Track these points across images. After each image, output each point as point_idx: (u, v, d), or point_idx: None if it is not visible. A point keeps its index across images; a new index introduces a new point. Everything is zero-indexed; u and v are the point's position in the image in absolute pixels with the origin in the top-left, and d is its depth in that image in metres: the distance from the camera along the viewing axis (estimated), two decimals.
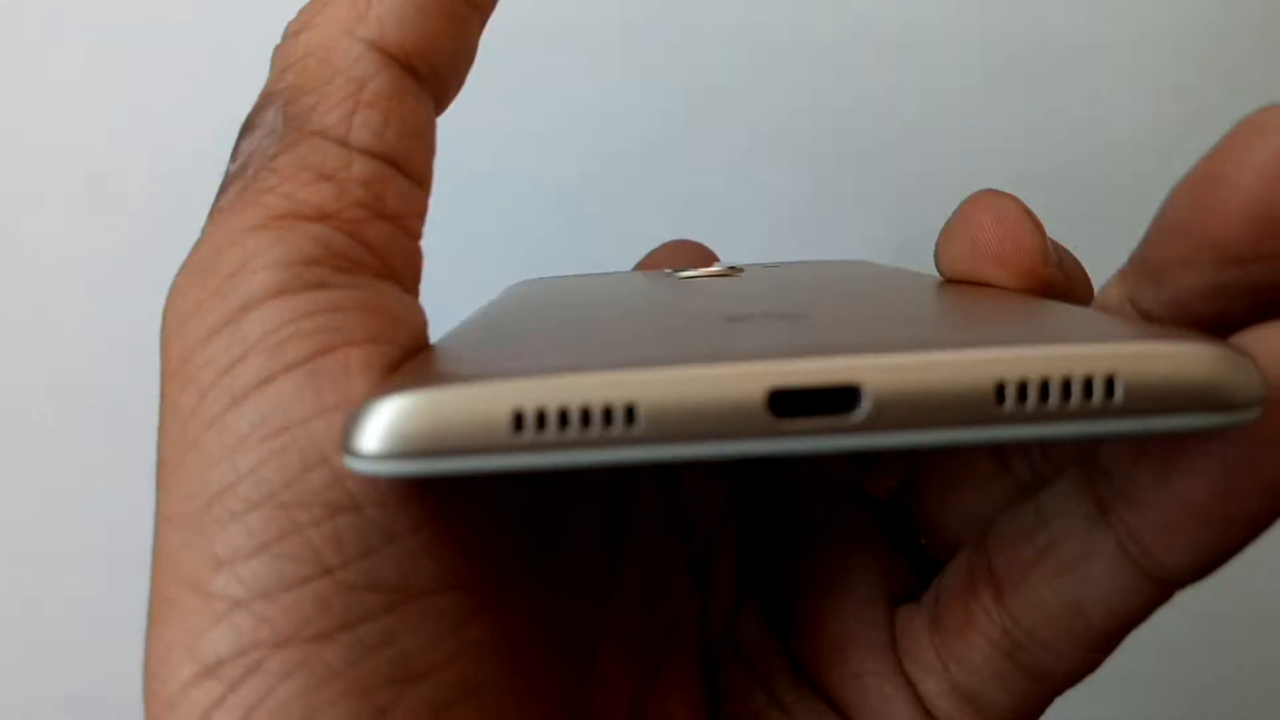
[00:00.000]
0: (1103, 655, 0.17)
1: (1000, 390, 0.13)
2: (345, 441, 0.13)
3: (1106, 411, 0.13)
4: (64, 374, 0.37)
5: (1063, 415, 0.13)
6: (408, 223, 0.17)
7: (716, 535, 0.21)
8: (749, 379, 0.13)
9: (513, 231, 0.37)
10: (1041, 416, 0.13)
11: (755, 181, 0.37)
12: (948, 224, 0.19)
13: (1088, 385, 0.13)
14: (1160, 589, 0.16)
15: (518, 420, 0.13)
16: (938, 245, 0.19)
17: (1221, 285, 0.15)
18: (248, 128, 0.17)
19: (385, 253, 0.16)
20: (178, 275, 0.16)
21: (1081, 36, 0.37)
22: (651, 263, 0.27)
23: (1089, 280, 0.19)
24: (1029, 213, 0.18)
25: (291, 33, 0.17)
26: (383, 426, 0.13)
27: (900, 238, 0.37)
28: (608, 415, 0.13)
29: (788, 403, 0.13)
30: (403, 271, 0.17)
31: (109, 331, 0.37)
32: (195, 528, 0.14)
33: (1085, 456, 0.17)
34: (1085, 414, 0.13)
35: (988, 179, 0.36)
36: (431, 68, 0.17)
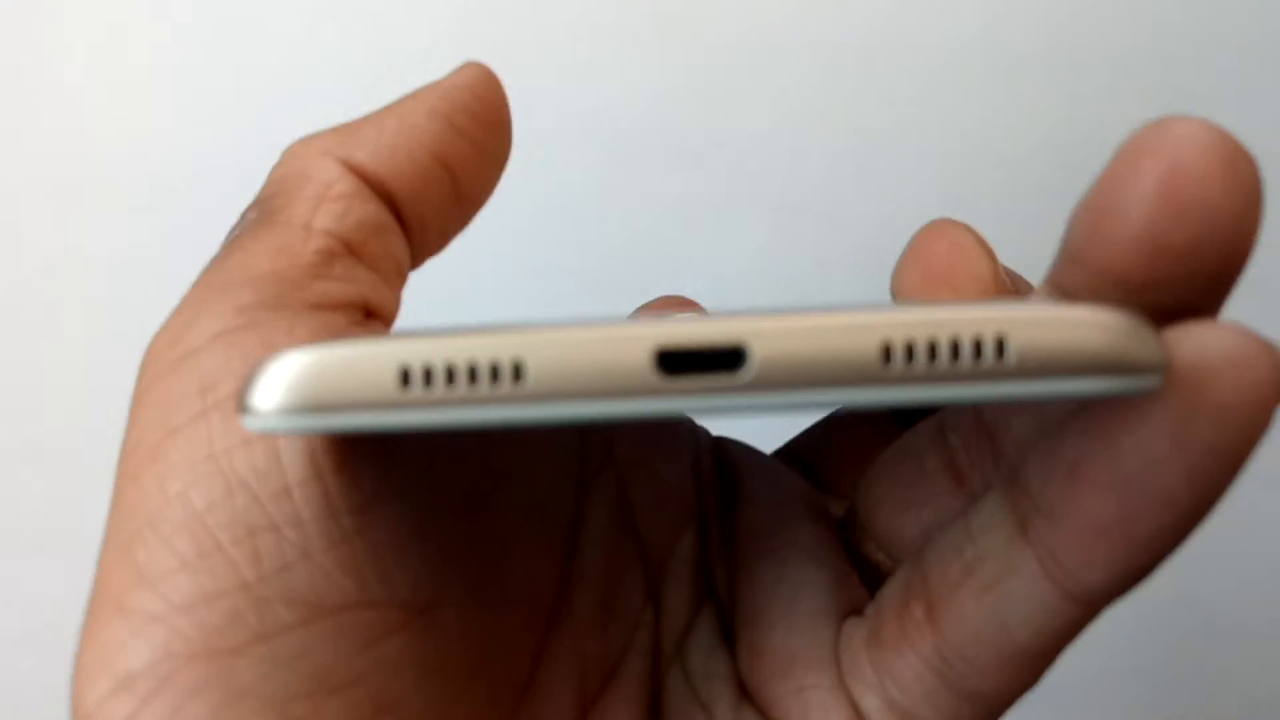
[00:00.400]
0: (1033, 675, 0.17)
1: (887, 350, 0.13)
2: (239, 400, 0.13)
3: (998, 373, 0.13)
4: (61, 375, 0.38)
5: (952, 376, 0.13)
6: (360, 290, 0.18)
7: (672, 552, 0.21)
8: (637, 339, 0.13)
9: (510, 232, 0.37)
10: (930, 377, 0.13)
11: (753, 182, 0.37)
12: (902, 254, 0.19)
13: (977, 346, 0.13)
14: (1083, 607, 0.16)
15: (404, 376, 0.13)
16: (893, 275, 0.19)
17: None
18: (235, 226, 0.19)
19: (329, 301, 0.18)
20: (158, 329, 0.18)
21: (1083, 38, 0.37)
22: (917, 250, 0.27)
23: None
24: (981, 240, 0.18)
25: (283, 155, 0.20)
26: (274, 382, 0.13)
27: (896, 241, 0.37)
28: (495, 372, 0.13)
29: (676, 363, 0.13)
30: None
31: (104, 332, 0.38)
32: (125, 549, 0.16)
33: (1012, 471, 0.17)
34: (976, 375, 0.13)
35: (990, 180, 0.37)
36: (394, 202, 0.19)
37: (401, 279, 0.20)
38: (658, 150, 0.37)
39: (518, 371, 0.13)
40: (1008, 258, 0.37)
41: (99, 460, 0.37)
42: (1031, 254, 0.36)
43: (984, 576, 0.17)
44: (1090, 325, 0.13)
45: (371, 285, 0.19)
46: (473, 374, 0.13)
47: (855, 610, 0.19)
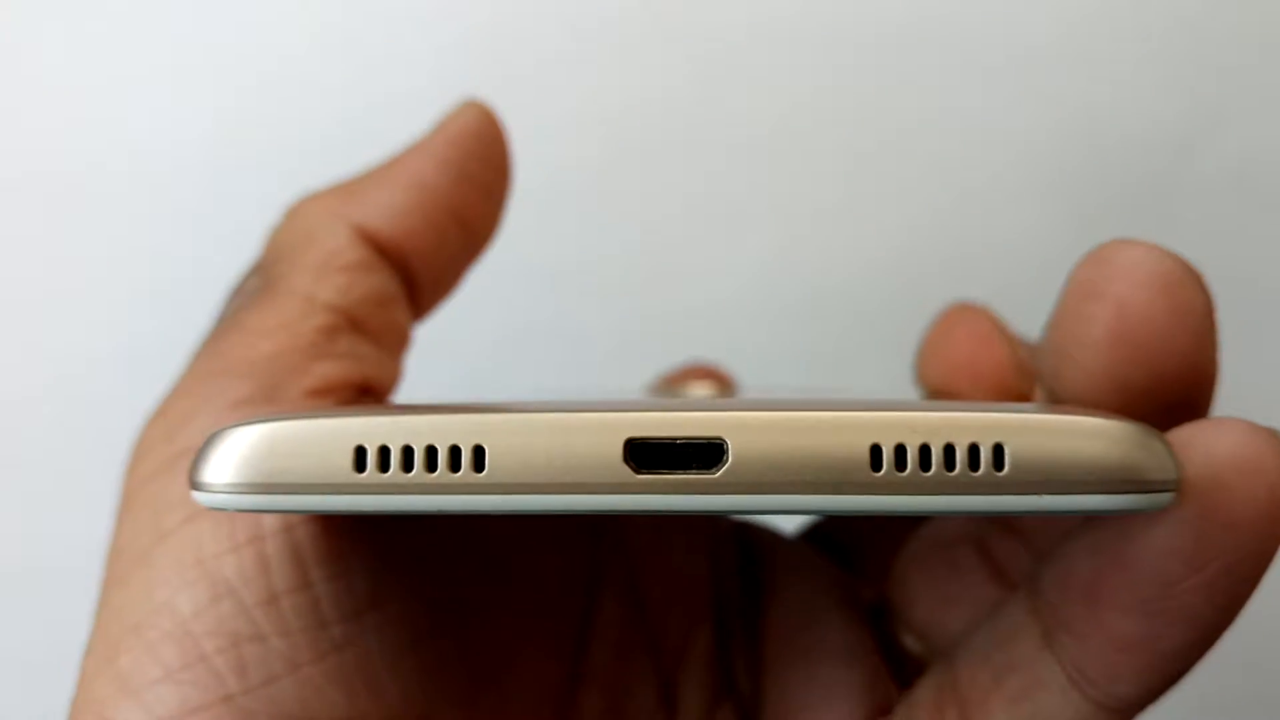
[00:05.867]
0: None
1: (876, 453, 0.12)
2: (191, 474, 0.13)
3: (995, 485, 0.12)
4: (56, 377, 0.37)
5: (945, 486, 0.12)
6: (360, 367, 0.18)
7: (687, 648, 0.20)
8: (607, 428, 0.12)
9: (514, 225, 0.36)
10: (922, 486, 0.12)
11: (769, 181, 0.36)
12: (923, 341, 0.19)
13: (973, 454, 0.12)
14: (1117, 715, 0.15)
15: (359, 457, 0.12)
16: (915, 362, 0.19)
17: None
18: (234, 292, 0.18)
19: (328, 384, 0.17)
20: (152, 413, 0.17)
21: (1101, 30, 0.36)
22: (668, 380, 0.27)
23: None
24: (1000, 325, 0.18)
25: (286, 213, 0.19)
26: (225, 457, 0.12)
27: (907, 243, 0.36)
28: (454, 458, 0.12)
29: (649, 456, 0.12)
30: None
31: (95, 335, 0.36)
32: (109, 656, 0.15)
33: (1033, 575, 0.16)
34: (970, 486, 0.12)
35: (1007, 175, 0.36)
36: (407, 265, 0.19)
37: (404, 347, 0.19)
38: (664, 149, 0.36)
39: (479, 458, 0.12)
40: (1017, 259, 0.35)
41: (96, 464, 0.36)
42: (1039, 254, 0.35)
43: (1013, 688, 0.16)
44: (1097, 436, 0.12)
45: (373, 360, 0.18)
46: (431, 459, 0.12)
47: (885, 710, 0.18)
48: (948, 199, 0.35)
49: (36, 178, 0.37)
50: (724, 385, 0.25)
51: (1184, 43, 0.36)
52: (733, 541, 0.21)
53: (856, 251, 0.33)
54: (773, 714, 0.19)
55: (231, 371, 0.17)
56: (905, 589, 0.19)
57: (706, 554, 0.21)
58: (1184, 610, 0.14)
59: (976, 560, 0.18)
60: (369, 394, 0.18)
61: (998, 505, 0.12)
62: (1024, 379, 0.17)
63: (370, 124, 0.31)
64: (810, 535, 0.22)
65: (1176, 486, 0.12)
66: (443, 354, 0.34)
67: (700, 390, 0.23)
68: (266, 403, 0.16)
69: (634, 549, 0.20)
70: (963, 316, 0.18)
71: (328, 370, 0.17)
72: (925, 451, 0.12)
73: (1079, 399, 0.14)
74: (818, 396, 0.14)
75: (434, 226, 0.19)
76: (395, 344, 0.19)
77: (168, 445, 0.16)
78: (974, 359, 0.18)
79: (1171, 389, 0.13)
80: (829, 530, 0.22)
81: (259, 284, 0.18)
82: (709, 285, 0.35)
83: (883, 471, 0.12)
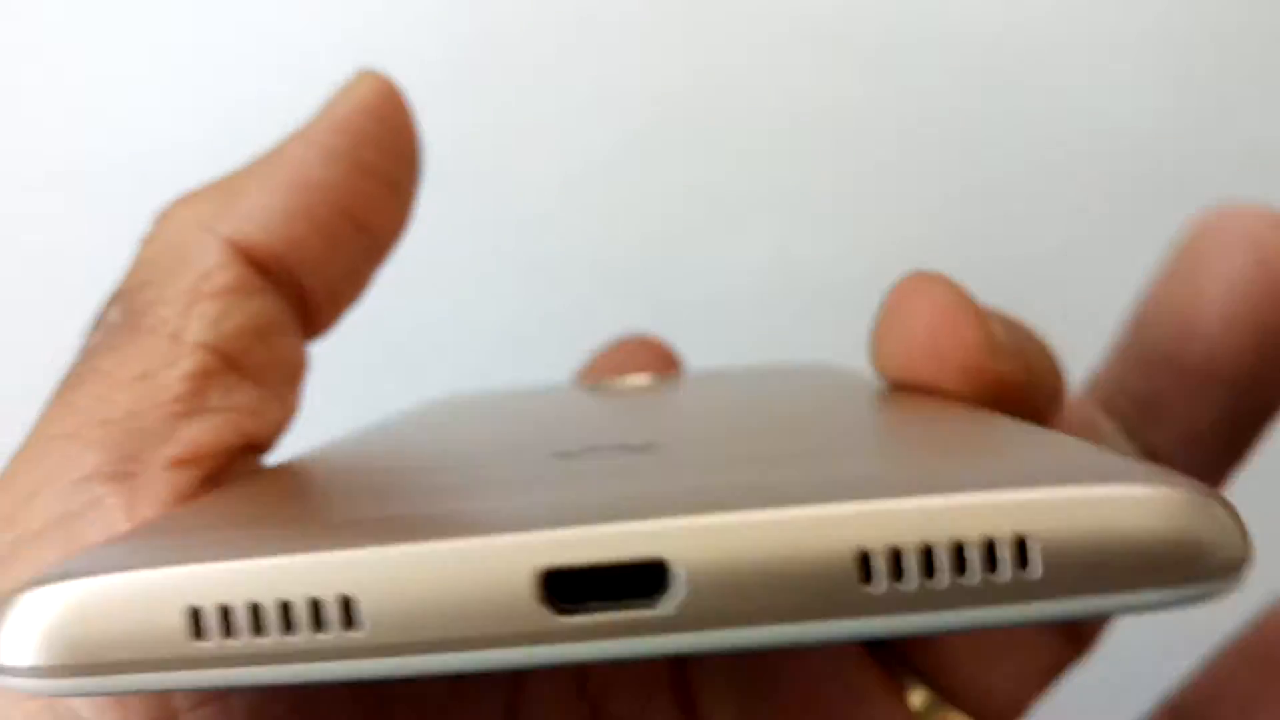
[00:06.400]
0: None
1: (865, 563, 0.09)
2: None
3: (1019, 592, 0.09)
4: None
5: (956, 599, 0.09)
6: (237, 420, 0.15)
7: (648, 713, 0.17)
8: (511, 557, 0.09)
9: (519, 222, 0.35)
10: (926, 601, 0.09)
11: (766, 175, 0.35)
12: (878, 316, 0.16)
13: (990, 552, 0.09)
14: None
15: (195, 621, 0.09)
16: (870, 342, 0.16)
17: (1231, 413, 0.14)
18: (95, 324, 0.16)
19: (195, 452, 0.14)
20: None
21: (1102, 26, 0.35)
22: (604, 361, 0.24)
23: (1058, 369, 0.15)
24: (965, 297, 0.15)
25: (156, 220, 0.16)
26: (23, 634, 0.10)
27: (913, 238, 0.35)
28: (317, 614, 0.09)
29: (570, 589, 0.09)
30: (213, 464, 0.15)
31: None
32: None
33: None
34: (987, 596, 0.09)
35: (1006, 171, 0.35)
36: (294, 281, 0.16)
37: (297, 377, 0.16)
38: (670, 145, 0.35)
39: (347, 612, 0.09)
40: (1024, 254, 0.35)
41: None
42: (1046, 248, 0.34)
43: None
44: (1150, 513, 0.09)
45: (253, 407, 0.15)
46: (287, 617, 0.09)
47: None
48: (952, 195, 0.35)
49: (36, 178, 0.36)
50: (666, 367, 0.23)
51: (1184, 41, 0.35)
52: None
53: (858, 247, 0.33)
54: None
55: (81, 436, 0.14)
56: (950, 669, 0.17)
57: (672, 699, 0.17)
58: None
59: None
60: (249, 453, 0.15)
61: (1023, 615, 0.09)
62: (1000, 360, 0.15)
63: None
64: None
65: (1243, 567, 0.09)
66: (442, 353, 0.34)
67: (637, 382, 0.20)
68: (120, 479, 0.14)
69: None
70: (920, 286, 0.15)
71: (196, 433, 0.14)
72: (928, 555, 0.09)
73: (1215, 351, 0.13)
74: (803, 467, 0.11)
75: (323, 232, 0.16)
76: (283, 379, 0.16)
77: (7, 528, 0.14)
78: (937, 339, 0.15)
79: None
80: None
81: (120, 316, 0.15)
82: (709, 282, 0.34)
83: (874, 585, 0.09)
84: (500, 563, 0.09)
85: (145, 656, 0.09)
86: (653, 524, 0.09)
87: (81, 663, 0.09)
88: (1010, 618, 0.09)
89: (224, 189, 0.16)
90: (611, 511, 0.09)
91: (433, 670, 0.09)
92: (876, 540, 0.09)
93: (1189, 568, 0.09)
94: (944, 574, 0.09)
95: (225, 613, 0.09)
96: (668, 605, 0.09)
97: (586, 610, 0.09)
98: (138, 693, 0.10)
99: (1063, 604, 0.09)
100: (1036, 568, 0.09)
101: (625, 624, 0.09)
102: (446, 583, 0.09)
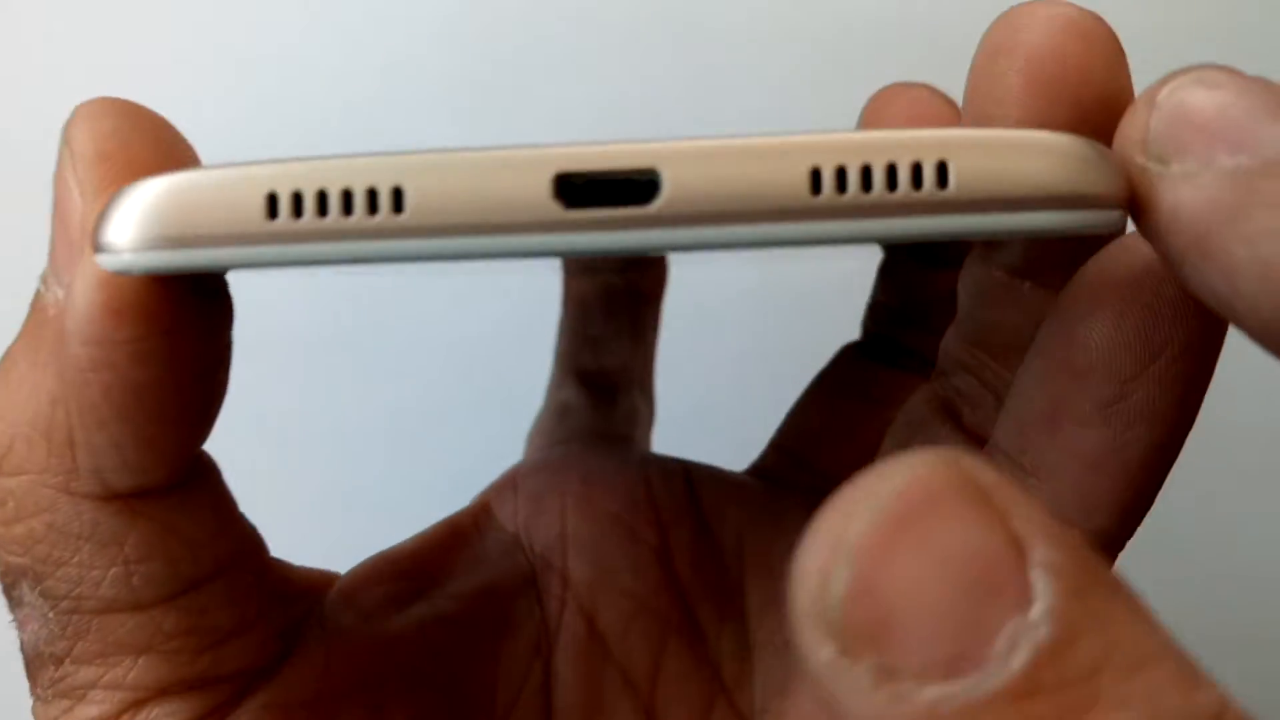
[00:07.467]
0: None
1: (816, 177, 0.11)
2: (94, 239, 0.12)
3: (939, 204, 0.11)
4: None
5: (888, 208, 0.11)
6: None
7: (659, 668, 0.18)
8: (534, 163, 0.11)
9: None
10: (863, 209, 0.11)
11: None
12: (860, 119, 0.17)
13: (916, 172, 0.11)
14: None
15: (272, 204, 0.11)
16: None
17: None
18: (11, 602, 0.15)
19: None
20: None
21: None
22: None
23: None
24: (942, 94, 0.17)
25: None
26: (129, 214, 0.12)
27: None
28: (372, 200, 0.11)
29: (579, 192, 0.11)
30: None
31: None
32: None
33: (995, 437, 0.15)
34: (914, 206, 0.11)
35: None
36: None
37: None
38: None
39: (397, 200, 0.11)
40: None
41: None
42: None
43: None
44: (1043, 150, 0.11)
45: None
46: (347, 202, 0.11)
47: None
48: None
49: (36, 178, 0.36)
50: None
51: (1184, 41, 0.36)
52: (691, 525, 0.20)
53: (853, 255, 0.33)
54: (768, 693, 0.18)
55: None
56: None
57: (657, 556, 0.19)
58: (1142, 407, 0.13)
59: (949, 431, 0.17)
60: None
61: (942, 226, 0.11)
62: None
63: (371, 123, 0.32)
64: (772, 460, 0.21)
65: (1124, 203, 0.11)
66: (444, 349, 0.33)
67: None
68: None
69: (578, 581, 0.19)
70: (899, 90, 0.17)
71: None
72: (867, 173, 0.11)
73: (1022, 123, 0.13)
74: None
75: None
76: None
77: None
78: (914, 121, 0.16)
79: (1092, 122, 0.13)
80: (786, 446, 0.21)
81: (44, 605, 0.14)
82: (710, 280, 0.35)
83: (823, 195, 0.11)
84: (525, 165, 0.11)
85: (229, 231, 0.11)
86: (648, 144, 0.11)
87: (174, 235, 0.12)
88: (928, 228, 0.11)
89: None
90: (616, 140, 0.12)
91: (458, 251, 0.11)
92: (826, 160, 0.11)
93: (1079, 197, 0.11)
94: (879, 188, 0.11)
95: (297, 198, 0.11)
96: (657, 206, 0.11)
97: (591, 208, 0.11)
98: (218, 268, 0.12)
99: (970, 219, 0.11)
100: (953, 187, 0.11)
101: (621, 219, 0.11)
102: (479, 180, 0.11)
